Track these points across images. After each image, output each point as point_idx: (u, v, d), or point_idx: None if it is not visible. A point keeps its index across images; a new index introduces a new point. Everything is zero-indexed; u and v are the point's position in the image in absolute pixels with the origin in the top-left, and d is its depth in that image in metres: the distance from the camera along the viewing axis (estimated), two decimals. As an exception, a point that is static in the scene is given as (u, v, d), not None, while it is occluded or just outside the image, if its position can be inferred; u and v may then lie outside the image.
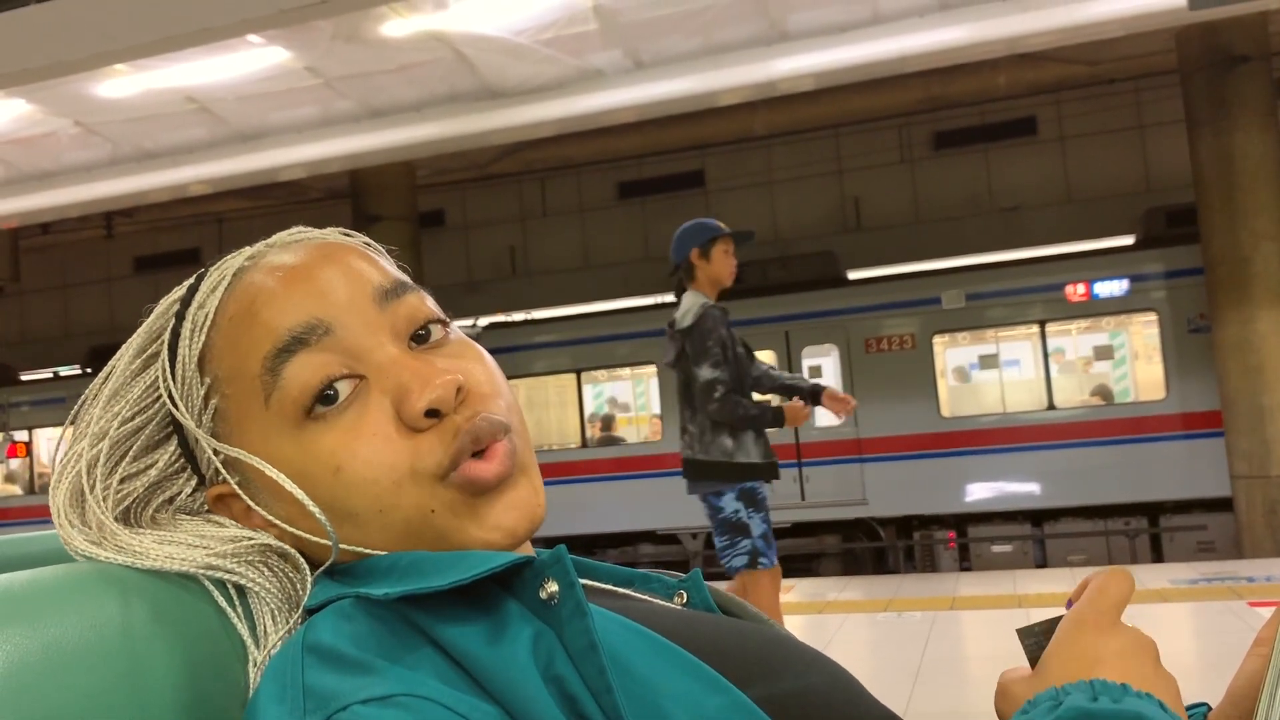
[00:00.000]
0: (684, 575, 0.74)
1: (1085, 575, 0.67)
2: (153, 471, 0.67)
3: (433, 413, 0.61)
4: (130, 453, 0.67)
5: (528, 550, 0.68)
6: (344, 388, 0.62)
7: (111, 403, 0.67)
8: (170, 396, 0.65)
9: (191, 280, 0.69)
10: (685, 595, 0.72)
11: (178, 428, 0.67)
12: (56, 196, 9.93)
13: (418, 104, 8.74)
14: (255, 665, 0.61)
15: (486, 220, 14.06)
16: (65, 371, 14.22)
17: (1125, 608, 0.63)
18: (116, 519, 0.65)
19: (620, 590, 0.70)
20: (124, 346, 0.69)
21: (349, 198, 11.59)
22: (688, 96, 8.33)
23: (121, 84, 7.95)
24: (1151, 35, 8.97)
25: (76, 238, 15.08)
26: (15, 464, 13.43)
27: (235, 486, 0.64)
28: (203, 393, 0.64)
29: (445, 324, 0.67)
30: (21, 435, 13.24)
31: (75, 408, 0.69)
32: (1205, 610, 6.15)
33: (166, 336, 0.67)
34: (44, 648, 0.53)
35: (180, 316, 0.67)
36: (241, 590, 0.64)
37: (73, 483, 0.66)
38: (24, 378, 14.20)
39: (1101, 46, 9.92)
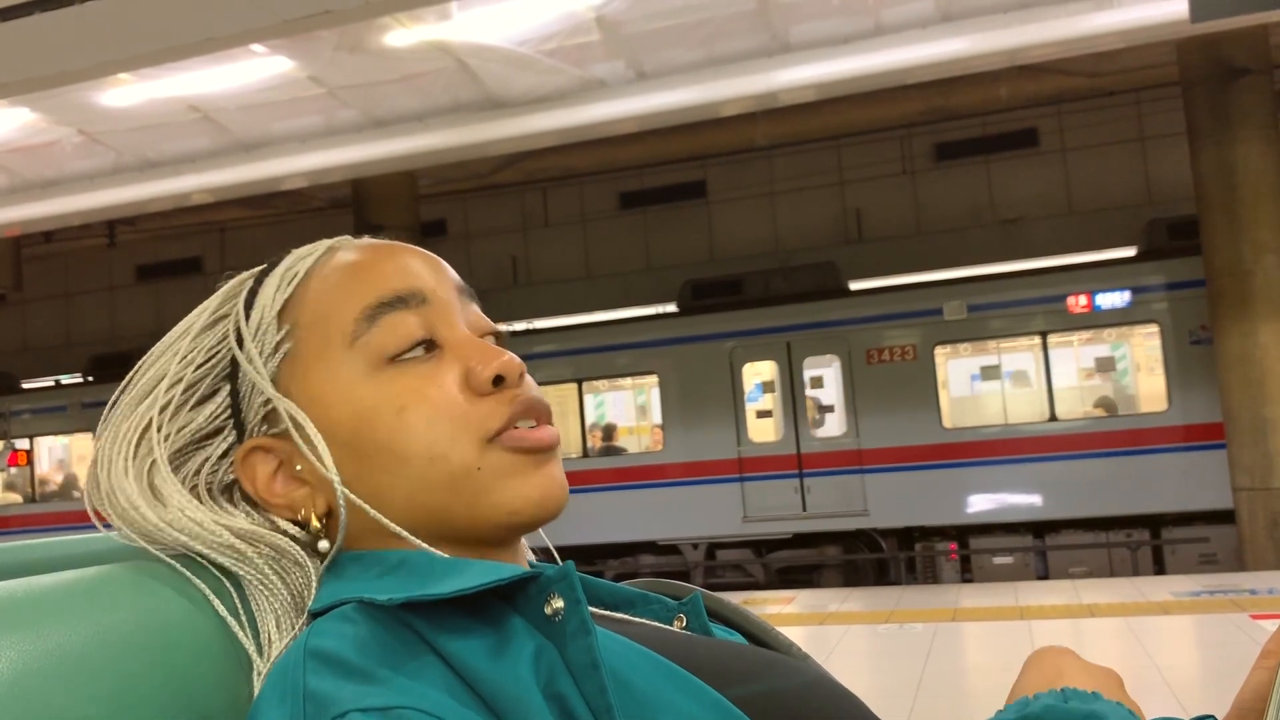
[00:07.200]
0: (683, 598, 0.73)
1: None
2: (199, 419, 0.69)
3: (498, 381, 0.66)
4: (191, 400, 0.69)
5: (519, 558, 0.69)
6: (426, 348, 0.67)
7: (188, 350, 0.70)
8: (239, 334, 0.68)
9: (269, 263, 0.73)
10: (685, 619, 0.72)
11: (231, 378, 0.69)
12: (59, 205, 9.94)
13: (420, 114, 8.75)
14: (259, 675, 0.62)
15: (488, 230, 14.07)
16: (67, 380, 14.23)
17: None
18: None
19: (618, 615, 0.69)
20: (197, 310, 0.72)
21: (351, 207, 11.61)
22: (690, 107, 8.35)
23: (125, 93, 7.97)
24: (1152, 47, 8.98)
25: (79, 246, 15.10)
26: (15, 472, 13.42)
27: (291, 426, 0.65)
28: (277, 338, 0.67)
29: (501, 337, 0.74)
30: (23, 443, 13.22)
31: (143, 360, 0.72)
32: (1207, 623, 6.14)
33: (243, 295, 0.70)
34: (47, 654, 0.53)
35: (259, 281, 0.71)
36: (244, 594, 0.64)
37: (141, 420, 0.68)
38: (25, 386, 14.21)
39: (1102, 58, 9.94)
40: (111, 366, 12.88)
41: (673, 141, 11.22)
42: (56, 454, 14.04)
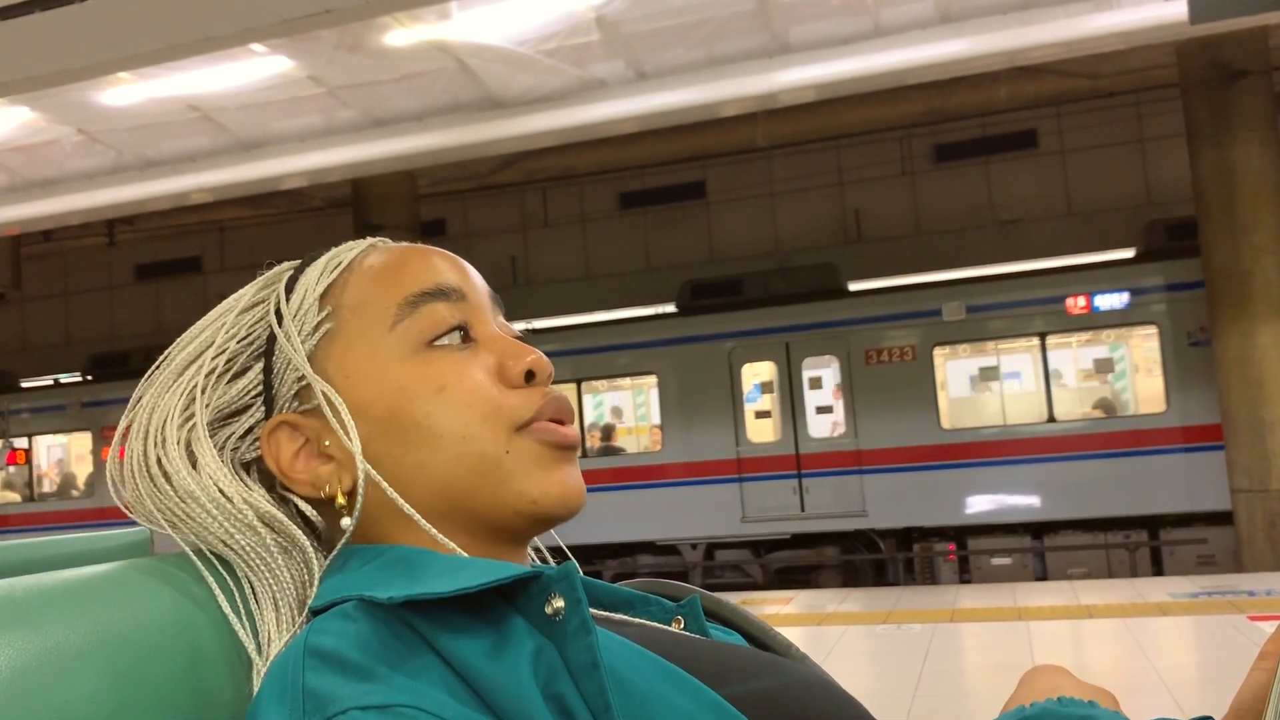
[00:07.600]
0: (682, 599, 0.73)
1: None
2: (231, 394, 0.70)
3: (529, 378, 0.68)
4: (229, 374, 0.71)
5: (522, 558, 0.70)
6: (463, 338, 0.70)
7: (232, 324, 0.72)
8: (278, 312, 0.70)
9: (309, 255, 0.75)
10: (683, 620, 0.72)
11: (266, 356, 0.70)
12: (59, 204, 9.94)
13: (420, 114, 8.75)
14: (258, 674, 0.62)
15: (488, 230, 14.07)
16: (66, 379, 14.22)
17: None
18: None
19: (616, 616, 0.70)
20: (235, 295, 0.74)
21: (351, 207, 11.60)
22: (689, 107, 8.35)
23: (124, 92, 7.96)
24: (1152, 49, 8.99)
25: (78, 245, 15.09)
26: (14, 471, 13.41)
27: (323, 400, 0.66)
28: (318, 318, 0.69)
29: None
30: (21, 442, 13.22)
31: (181, 338, 0.73)
32: (1205, 624, 6.15)
33: (284, 280, 0.72)
34: (46, 652, 0.53)
35: (300, 270, 0.73)
36: (244, 592, 0.65)
37: (188, 383, 0.70)
38: (25, 385, 14.20)
39: (1102, 60, 9.94)
40: (110, 365, 12.88)
41: (673, 142, 11.22)
42: (55, 453, 14.04)
